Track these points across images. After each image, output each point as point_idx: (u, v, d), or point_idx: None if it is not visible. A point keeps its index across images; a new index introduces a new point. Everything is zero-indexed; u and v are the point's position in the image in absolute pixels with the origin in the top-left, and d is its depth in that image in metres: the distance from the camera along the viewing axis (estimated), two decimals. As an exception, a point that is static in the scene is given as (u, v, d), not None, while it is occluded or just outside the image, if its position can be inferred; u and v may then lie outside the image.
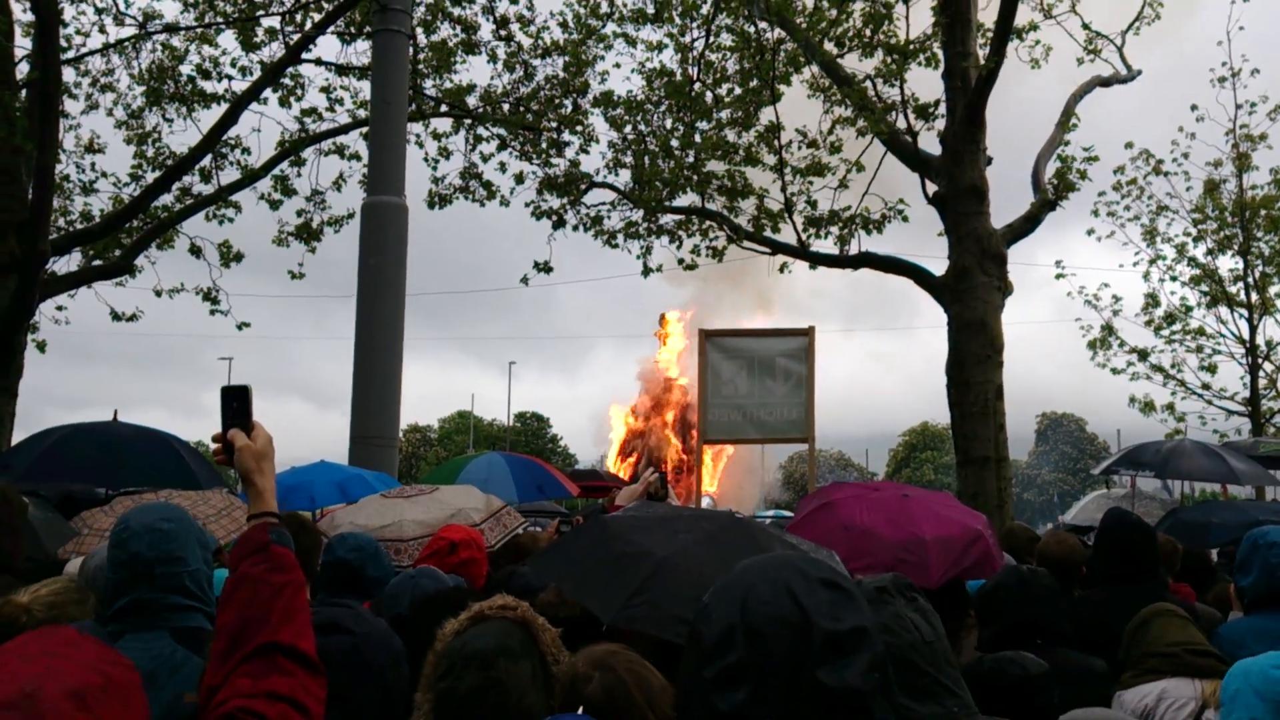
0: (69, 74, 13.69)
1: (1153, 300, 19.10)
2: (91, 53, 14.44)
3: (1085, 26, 14.75)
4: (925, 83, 13.37)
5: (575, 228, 15.40)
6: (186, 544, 2.92)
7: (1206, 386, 18.82)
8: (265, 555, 1.97)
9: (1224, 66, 18.62)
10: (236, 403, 2.23)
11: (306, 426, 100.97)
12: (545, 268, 15.11)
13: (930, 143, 12.98)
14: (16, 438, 11.62)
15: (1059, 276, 18.05)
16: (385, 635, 3.29)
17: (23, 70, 12.96)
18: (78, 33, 13.99)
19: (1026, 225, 12.90)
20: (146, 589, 2.85)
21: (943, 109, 12.93)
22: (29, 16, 12.47)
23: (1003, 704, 2.81)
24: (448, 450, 68.80)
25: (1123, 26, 15.05)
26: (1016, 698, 2.95)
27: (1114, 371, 18.81)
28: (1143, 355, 18.78)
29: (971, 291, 12.06)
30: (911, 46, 13.06)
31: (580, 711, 2.30)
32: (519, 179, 15.60)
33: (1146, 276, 19.20)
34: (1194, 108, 18.54)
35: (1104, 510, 12.05)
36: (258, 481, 2.12)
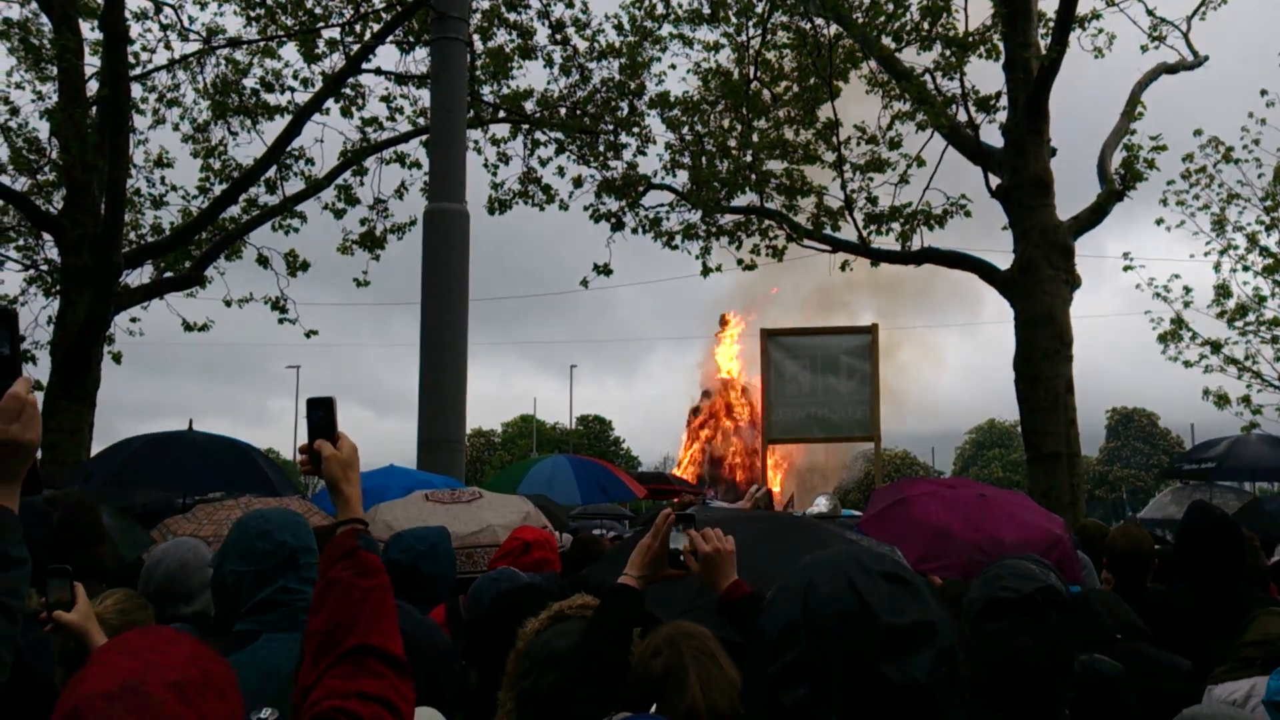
0: (136, 90, 13.99)
1: (1224, 291, 18.66)
2: (158, 69, 14.73)
3: (1149, 13, 14.46)
4: (986, 75, 13.23)
5: (634, 230, 15.43)
6: (314, 539, 3.01)
7: (1284, 378, 18.34)
8: (354, 560, 2.01)
9: (1295, 49, 18.16)
10: (322, 413, 2.24)
11: (368, 432, 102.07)
12: (605, 270, 15.14)
13: (992, 135, 12.83)
14: (95, 448, 11.92)
15: (1127, 268, 17.70)
16: (432, 631, 3.32)
17: (92, 88, 13.30)
18: (144, 49, 14.29)
19: (1093, 216, 12.69)
20: (292, 578, 2.92)
21: (1004, 101, 12.76)
22: (97, 35, 12.79)
23: (1083, 708, 2.76)
24: (511, 454, 69.19)
25: (1188, 11, 14.74)
26: (1097, 701, 2.89)
27: (1186, 364, 18.38)
28: (1215, 347, 18.33)
29: (1038, 285, 11.88)
30: (971, 38, 12.92)
31: (653, 709, 2.30)
32: (577, 182, 15.66)
33: (1217, 267, 18.77)
34: (1264, 93, 18.08)
35: (1177, 505, 11.92)
36: (344, 490, 2.15)
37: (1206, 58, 15.03)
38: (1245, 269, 18.70)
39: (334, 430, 2.24)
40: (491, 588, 3.82)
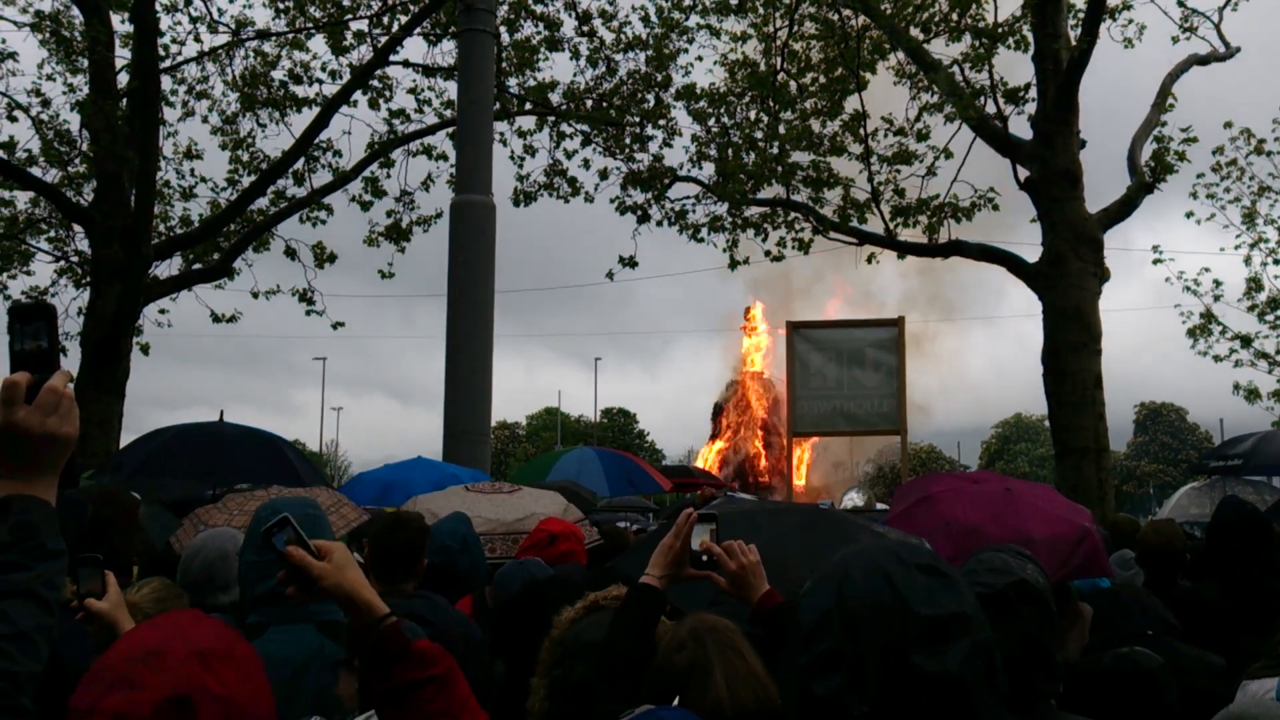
0: (166, 82, 14.09)
1: (1255, 285, 18.45)
2: (187, 61, 14.85)
3: (1180, 3, 14.31)
4: (1015, 66, 13.12)
5: (659, 222, 15.41)
6: (327, 532, 3.05)
7: (1315, 373, 18.13)
8: (411, 657, 1.96)
9: (1329, 40, 17.92)
10: (291, 532, 2.01)
11: (394, 423, 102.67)
12: (630, 262, 15.14)
13: (1021, 127, 12.73)
14: (123, 439, 12.02)
15: (1157, 262, 17.52)
16: (463, 624, 3.34)
17: (122, 80, 13.39)
18: (174, 41, 14.40)
19: (1123, 209, 12.57)
20: None
21: (1033, 92, 12.66)
22: (127, 27, 12.88)
23: (1123, 700, 2.75)
24: (536, 447, 69.35)
25: (1220, 2, 14.57)
26: (1137, 694, 2.87)
27: (1216, 359, 18.17)
28: (1245, 341, 18.12)
29: (1067, 278, 11.79)
30: (1000, 29, 12.83)
31: (676, 703, 2.30)
32: (603, 175, 15.67)
33: (1248, 261, 18.55)
34: (1298, 84, 17.83)
35: (1198, 506, 11.81)
36: (360, 595, 2.00)
37: (1238, 49, 14.85)
38: (1276, 262, 18.47)
39: (308, 546, 1.98)
40: (519, 574, 3.83)
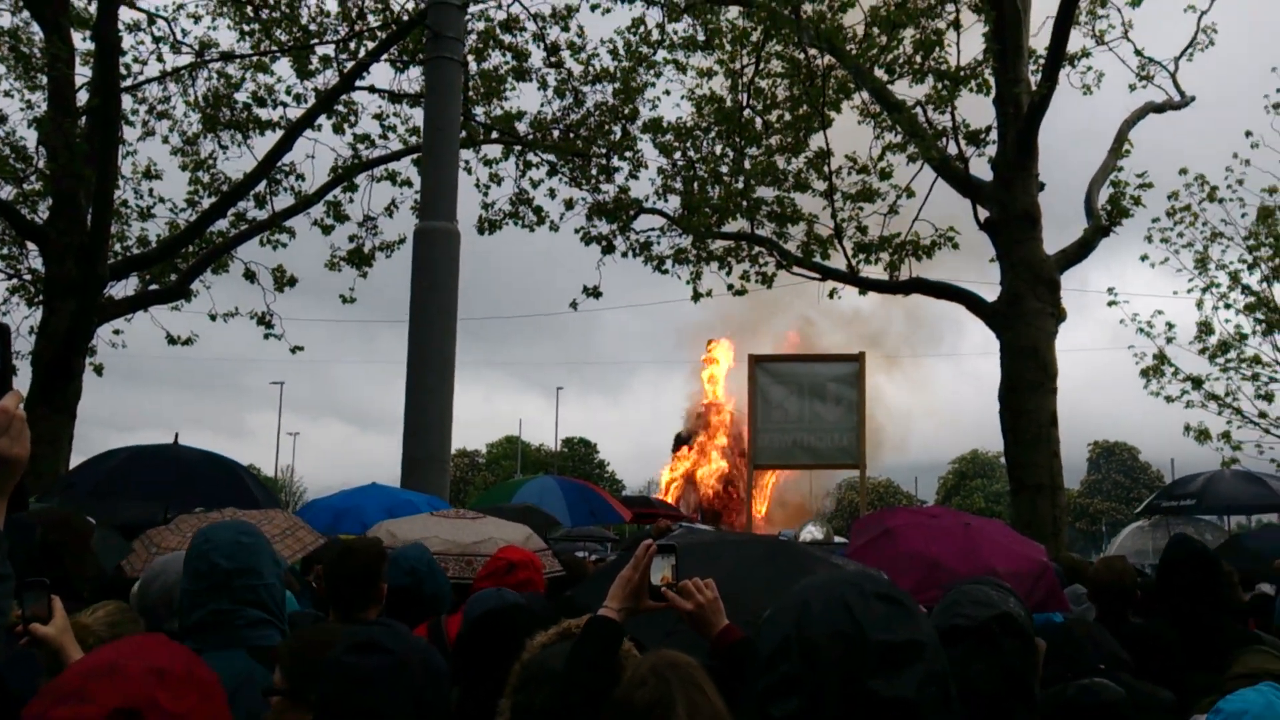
0: (126, 101, 13.96)
1: (1206, 328, 18.78)
2: (149, 81, 14.72)
3: (1138, 53, 14.64)
4: (976, 108, 13.33)
5: (624, 253, 15.43)
6: (262, 559, 3.02)
7: (1263, 415, 18.47)
8: None
9: (1279, 93, 18.39)
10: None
11: (351, 448, 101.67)
12: (594, 293, 15.15)
13: (981, 168, 12.93)
14: (73, 459, 11.82)
15: (1112, 304, 17.81)
16: (425, 653, 3.30)
17: (82, 98, 13.26)
18: (135, 60, 14.29)
19: (1080, 251, 12.80)
20: (226, 600, 2.95)
21: (994, 135, 12.87)
22: (88, 45, 12.77)
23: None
24: (495, 475, 68.94)
25: (1176, 52, 14.94)
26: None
27: (1168, 399, 18.47)
28: (1196, 383, 18.43)
29: (1024, 318, 11.96)
30: (962, 73, 13.03)
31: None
32: (569, 205, 15.67)
33: (1200, 304, 18.90)
34: (1248, 134, 18.28)
35: (1140, 544, 11.99)
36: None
37: (1193, 98, 15.21)
38: (1227, 306, 18.86)
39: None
40: (494, 602, 3.80)
